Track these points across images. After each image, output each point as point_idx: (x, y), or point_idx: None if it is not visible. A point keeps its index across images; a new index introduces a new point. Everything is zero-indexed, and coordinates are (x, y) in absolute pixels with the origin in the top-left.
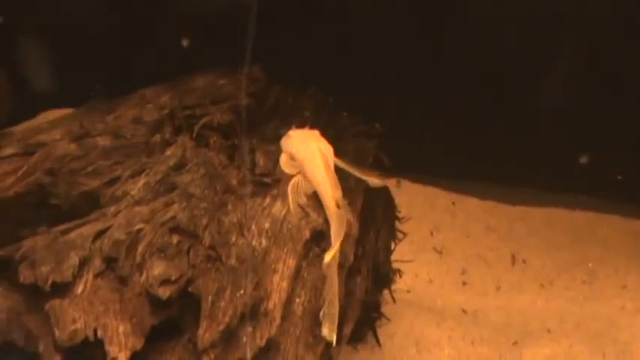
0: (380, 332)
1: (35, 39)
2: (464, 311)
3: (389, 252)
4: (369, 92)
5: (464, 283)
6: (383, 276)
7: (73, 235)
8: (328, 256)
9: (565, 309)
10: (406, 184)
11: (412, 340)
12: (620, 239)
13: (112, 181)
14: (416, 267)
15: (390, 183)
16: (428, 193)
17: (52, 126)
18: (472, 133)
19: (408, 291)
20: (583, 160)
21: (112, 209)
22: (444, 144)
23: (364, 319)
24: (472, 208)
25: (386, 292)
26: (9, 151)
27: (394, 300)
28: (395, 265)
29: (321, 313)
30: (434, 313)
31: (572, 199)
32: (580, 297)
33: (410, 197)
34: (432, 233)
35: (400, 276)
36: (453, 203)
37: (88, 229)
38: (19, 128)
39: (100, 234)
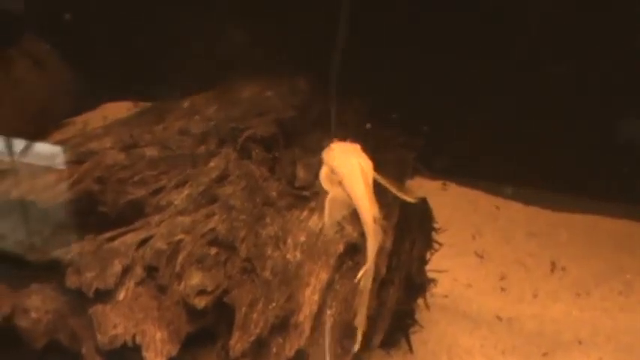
0: (413, 339)
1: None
2: (499, 318)
3: (423, 262)
4: (418, 94)
5: (502, 289)
6: (417, 286)
7: (117, 242)
8: (361, 272)
9: (599, 320)
10: (452, 187)
11: (445, 347)
12: None
13: (157, 191)
14: (456, 271)
15: (436, 185)
16: (473, 197)
17: (104, 133)
18: (520, 138)
19: (446, 296)
20: (628, 168)
21: (156, 218)
22: (491, 149)
23: (398, 325)
24: (515, 213)
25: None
26: (62, 158)
27: (428, 308)
28: (431, 274)
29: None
30: (468, 320)
31: (615, 207)
32: (615, 308)
33: (454, 200)
34: (473, 237)
35: (435, 285)
36: (497, 207)
37: (132, 237)
38: (80, 119)
39: (143, 242)
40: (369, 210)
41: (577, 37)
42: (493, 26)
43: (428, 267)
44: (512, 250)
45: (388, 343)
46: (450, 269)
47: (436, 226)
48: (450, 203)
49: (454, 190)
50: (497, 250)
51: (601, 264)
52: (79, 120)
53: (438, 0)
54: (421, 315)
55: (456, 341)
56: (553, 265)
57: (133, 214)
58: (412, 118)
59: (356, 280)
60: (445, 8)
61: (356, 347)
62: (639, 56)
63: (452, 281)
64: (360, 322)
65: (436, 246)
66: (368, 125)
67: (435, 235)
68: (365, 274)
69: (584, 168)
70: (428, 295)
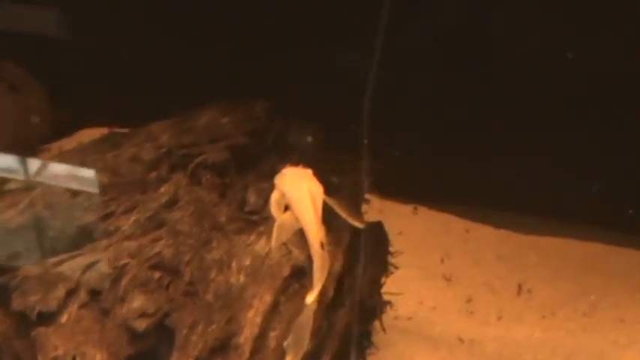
0: None
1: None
2: (460, 340)
3: (377, 286)
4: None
5: (467, 311)
6: (369, 309)
7: (64, 267)
8: (310, 298)
9: (560, 341)
10: (423, 211)
11: None
12: (627, 272)
13: (106, 217)
14: (422, 293)
15: (407, 209)
16: (443, 220)
17: (59, 160)
18: (489, 161)
19: (410, 318)
20: (596, 190)
21: (104, 243)
22: (462, 172)
23: (353, 349)
24: (485, 236)
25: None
26: (12, 185)
27: (384, 330)
28: (393, 297)
29: (285, 343)
30: (429, 342)
31: (584, 229)
32: (578, 329)
33: (425, 223)
34: (442, 260)
35: (391, 308)
36: (467, 231)
37: (78, 262)
38: (56, 145)
39: (89, 267)
40: (316, 234)
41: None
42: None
43: (389, 289)
44: (481, 272)
45: None
46: (416, 292)
47: (392, 250)
48: (420, 227)
49: (425, 213)
50: (465, 272)
51: (568, 286)
52: (55, 146)
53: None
54: (379, 337)
55: None
56: (520, 288)
57: (82, 239)
58: (383, 143)
59: (305, 304)
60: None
61: None
62: (606, 80)
63: (417, 304)
64: (302, 342)
65: (392, 269)
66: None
67: (391, 259)
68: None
69: (555, 191)
70: (391, 317)
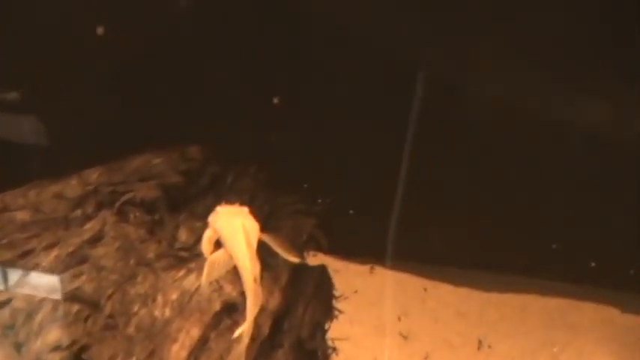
0: None
1: None
2: None
3: (319, 328)
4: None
5: None
6: (309, 352)
7: None
8: (239, 330)
9: None
10: (379, 270)
11: None
12: (590, 325)
13: (26, 253)
14: (377, 350)
15: (364, 269)
16: (400, 279)
17: None
18: (447, 219)
19: None
20: (557, 246)
21: (21, 281)
22: (420, 230)
23: None
24: (444, 294)
25: None
26: None
27: None
28: (334, 343)
29: None
30: None
31: (546, 285)
32: None
33: (381, 282)
34: (399, 318)
35: (337, 354)
36: (425, 289)
37: None
38: None
39: (2, 304)
40: (249, 269)
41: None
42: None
43: (341, 346)
44: (440, 329)
45: None
46: (371, 349)
47: (336, 293)
48: (376, 286)
49: (381, 272)
50: (423, 330)
51: (530, 339)
52: None
53: None
54: None
55: None
56: (480, 343)
57: None
58: (339, 201)
59: (234, 337)
60: None
61: None
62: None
63: None
64: None
65: (336, 313)
66: None
67: (335, 304)
68: (243, 332)
69: (516, 247)
70: None
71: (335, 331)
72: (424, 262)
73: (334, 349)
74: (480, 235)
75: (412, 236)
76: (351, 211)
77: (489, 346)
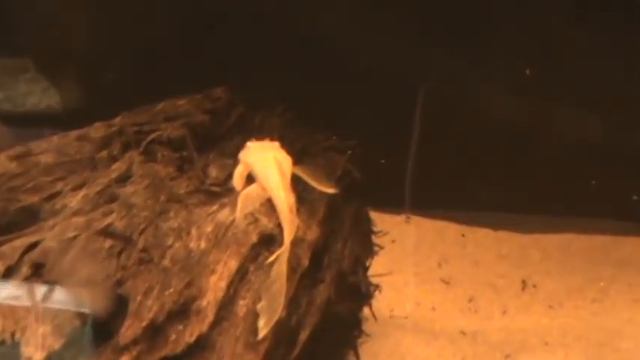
0: (362, 350)
1: None
2: (463, 333)
3: (359, 263)
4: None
5: (469, 310)
6: (353, 287)
7: (5, 247)
8: (274, 256)
9: (569, 325)
10: (415, 219)
11: (397, 357)
12: (636, 258)
13: (52, 196)
14: (419, 296)
15: (399, 219)
16: (438, 227)
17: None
18: (483, 163)
19: (406, 317)
20: (597, 183)
21: (50, 222)
22: (454, 177)
23: (344, 338)
24: (483, 238)
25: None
26: None
27: (375, 318)
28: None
29: (258, 306)
30: (427, 334)
31: (587, 223)
32: (588, 314)
33: (418, 231)
34: (439, 265)
35: (380, 292)
36: (463, 235)
37: (22, 242)
38: None
39: (32, 246)
40: (284, 200)
41: None
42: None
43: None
44: (481, 273)
45: (336, 358)
46: (412, 295)
47: (375, 229)
48: (413, 235)
49: (418, 222)
50: (464, 275)
51: (575, 278)
52: None
53: None
54: (371, 327)
55: (410, 352)
56: (524, 284)
57: (26, 220)
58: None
59: (267, 262)
60: None
61: (265, 331)
62: None
63: (414, 305)
64: (276, 307)
65: (376, 249)
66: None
67: (375, 239)
68: (279, 260)
69: (554, 187)
70: (386, 315)
71: (374, 280)
72: (460, 208)
73: (377, 286)
74: (519, 177)
75: (446, 182)
76: (382, 160)
77: (534, 286)
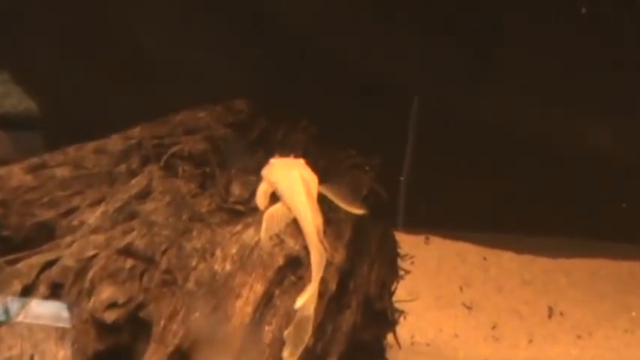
0: None
1: None
2: None
3: (386, 288)
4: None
5: (493, 338)
6: (379, 314)
7: (21, 265)
8: (302, 299)
9: (601, 356)
10: (435, 240)
11: None
12: None
13: (69, 212)
14: (441, 321)
15: (418, 239)
16: (458, 249)
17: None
18: (505, 184)
19: (428, 344)
20: (626, 207)
21: (67, 239)
22: (475, 198)
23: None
24: (506, 262)
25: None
26: None
27: (399, 344)
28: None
29: (286, 333)
30: None
31: (615, 248)
32: (620, 345)
33: (439, 253)
34: (461, 289)
35: (404, 318)
36: (485, 258)
37: (38, 259)
38: None
39: (50, 264)
40: (311, 222)
41: None
42: None
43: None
44: (505, 299)
45: None
46: (434, 320)
47: (401, 252)
48: (434, 256)
49: (438, 243)
50: (487, 300)
51: (603, 305)
52: None
53: None
54: (395, 354)
55: None
56: (550, 311)
57: (41, 237)
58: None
59: (297, 305)
60: None
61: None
62: None
63: (437, 331)
64: (304, 335)
65: (402, 273)
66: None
67: (400, 263)
68: (308, 290)
69: (580, 210)
70: (407, 342)
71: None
72: (481, 230)
73: (402, 312)
74: (543, 199)
75: (468, 204)
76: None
77: (561, 314)
